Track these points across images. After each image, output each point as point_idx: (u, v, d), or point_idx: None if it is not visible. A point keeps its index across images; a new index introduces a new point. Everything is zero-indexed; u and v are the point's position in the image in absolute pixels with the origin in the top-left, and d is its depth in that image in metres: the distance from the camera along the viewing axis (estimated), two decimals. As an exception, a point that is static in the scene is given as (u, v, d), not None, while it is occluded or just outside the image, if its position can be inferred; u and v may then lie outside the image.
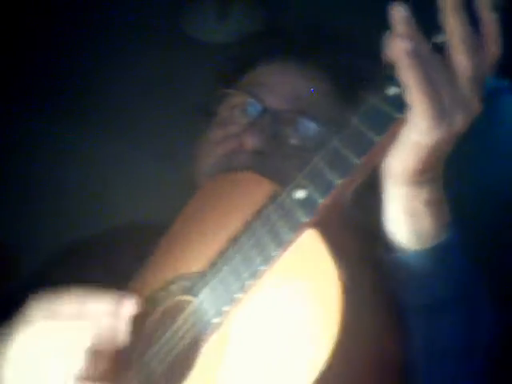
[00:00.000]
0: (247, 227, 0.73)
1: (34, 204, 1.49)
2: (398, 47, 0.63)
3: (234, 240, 0.74)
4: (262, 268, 0.68)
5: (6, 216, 1.46)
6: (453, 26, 0.63)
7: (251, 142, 0.97)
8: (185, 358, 0.74)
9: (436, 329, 0.69)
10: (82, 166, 1.50)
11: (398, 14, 0.64)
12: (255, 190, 0.79)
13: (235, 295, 0.69)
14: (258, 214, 0.73)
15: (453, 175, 0.73)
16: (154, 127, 1.22)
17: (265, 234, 0.70)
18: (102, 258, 1.03)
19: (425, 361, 0.69)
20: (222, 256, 0.74)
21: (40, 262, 1.09)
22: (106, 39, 1.37)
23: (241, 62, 1.11)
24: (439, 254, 0.69)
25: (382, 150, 0.68)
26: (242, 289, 0.69)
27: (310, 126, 0.99)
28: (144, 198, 1.36)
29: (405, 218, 0.69)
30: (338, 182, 0.66)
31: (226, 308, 0.69)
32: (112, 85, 1.40)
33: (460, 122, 0.64)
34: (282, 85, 1.03)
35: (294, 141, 0.99)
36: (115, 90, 1.39)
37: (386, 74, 0.68)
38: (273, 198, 0.72)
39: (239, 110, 1.03)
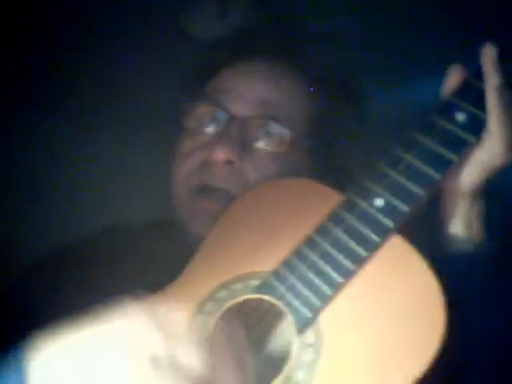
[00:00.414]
0: (321, 231, 0.80)
1: (30, 202, 1.38)
2: (489, 82, 0.75)
3: (308, 242, 0.80)
4: (353, 269, 0.76)
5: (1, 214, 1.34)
6: None
7: (221, 153, 1.00)
8: (279, 354, 0.78)
9: (483, 320, 0.81)
10: (79, 164, 1.42)
11: (490, 52, 0.75)
12: (314, 196, 0.86)
13: (327, 293, 0.75)
14: (332, 218, 0.80)
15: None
16: (154, 126, 1.21)
17: (349, 238, 0.77)
18: (99, 258, 1.03)
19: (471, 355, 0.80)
20: (297, 256, 0.80)
21: (31, 261, 1.05)
22: (102, 35, 1.31)
23: (205, 67, 1.13)
24: (485, 254, 0.82)
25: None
26: (334, 288, 0.75)
27: (280, 130, 1.04)
28: (142, 196, 1.33)
29: (462, 227, 0.81)
30: (422, 193, 0.76)
31: (317, 304, 0.75)
32: (110, 83, 1.35)
33: None
34: (247, 90, 1.05)
35: (264, 146, 1.04)
36: (113, 88, 1.34)
37: (451, 101, 0.80)
38: (347, 205, 0.80)
39: (207, 120, 1.06)
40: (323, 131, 1.08)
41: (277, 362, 0.78)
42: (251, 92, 1.06)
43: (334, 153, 1.08)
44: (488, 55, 0.76)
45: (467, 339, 0.77)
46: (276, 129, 1.04)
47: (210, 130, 1.06)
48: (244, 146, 1.02)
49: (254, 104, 1.05)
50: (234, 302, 0.81)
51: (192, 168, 1.04)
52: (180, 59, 1.16)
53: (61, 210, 1.36)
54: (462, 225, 0.81)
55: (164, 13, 1.29)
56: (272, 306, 0.79)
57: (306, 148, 1.06)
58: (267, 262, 0.82)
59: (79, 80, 1.34)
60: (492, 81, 0.75)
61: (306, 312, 0.76)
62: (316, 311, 0.75)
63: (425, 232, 0.83)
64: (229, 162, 1.01)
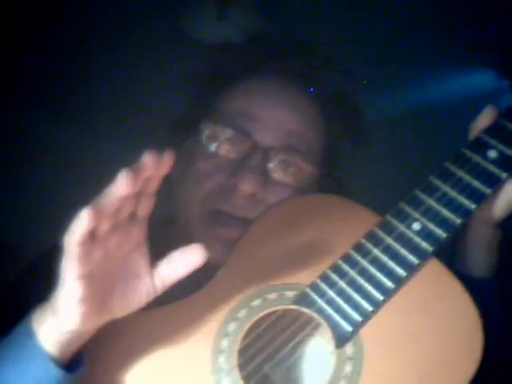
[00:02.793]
0: (360, 249, 0.84)
1: (32, 201, 1.31)
2: None
3: (347, 259, 0.84)
4: (393, 288, 0.80)
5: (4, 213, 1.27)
6: None
7: (247, 186, 1.01)
8: (315, 368, 0.81)
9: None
10: (80, 163, 1.36)
11: None
12: (345, 213, 0.89)
13: (368, 309, 0.79)
14: (370, 238, 0.84)
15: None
16: (153, 127, 1.20)
17: (388, 258, 0.82)
18: None
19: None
20: (336, 272, 0.83)
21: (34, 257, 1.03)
22: (100, 36, 1.27)
23: (219, 76, 1.12)
24: (500, 280, 0.89)
25: None
26: (375, 305, 0.79)
27: (300, 163, 1.06)
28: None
29: (483, 254, 0.88)
30: (458, 221, 0.82)
31: (358, 319, 0.79)
32: (110, 83, 1.30)
33: None
34: (272, 119, 1.06)
35: (283, 177, 1.05)
36: (113, 88, 1.30)
37: (483, 138, 0.86)
38: (385, 226, 0.84)
39: (228, 143, 1.05)
40: (331, 161, 1.12)
41: (306, 373, 0.82)
42: (276, 121, 1.06)
43: (336, 179, 1.12)
44: None
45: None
46: (296, 160, 1.06)
47: (230, 154, 1.05)
48: (265, 177, 1.03)
49: (278, 134, 1.05)
50: (268, 311, 0.84)
51: (208, 192, 1.04)
52: (187, 64, 1.16)
53: (61, 210, 1.32)
54: (482, 251, 0.88)
55: (170, 17, 1.28)
56: (309, 318, 0.82)
57: (316, 177, 1.09)
58: (301, 274, 0.85)
59: (83, 84, 1.32)
60: None
61: (347, 326, 0.79)
62: (357, 326, 0.79)
63: (444, 257, 0.89)
64: (251, 195, 1.01)
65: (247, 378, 0.80)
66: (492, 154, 0.85)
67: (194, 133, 1.08)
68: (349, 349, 0.79)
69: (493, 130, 0.87)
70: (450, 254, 0.91)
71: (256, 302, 0.84)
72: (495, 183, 0.84)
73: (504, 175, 0.84)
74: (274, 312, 0.84)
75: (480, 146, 0.86)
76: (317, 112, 1.11)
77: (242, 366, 0.81)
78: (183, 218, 1.07)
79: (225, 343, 0.82)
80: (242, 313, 0.84)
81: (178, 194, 1.08)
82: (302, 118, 1.08)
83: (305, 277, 0.84)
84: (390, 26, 1.33)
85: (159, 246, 1.11)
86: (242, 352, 0.82)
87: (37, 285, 1.00)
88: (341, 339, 0.79)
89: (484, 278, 0.88)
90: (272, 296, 0.85)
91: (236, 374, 0.80)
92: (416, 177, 0.87)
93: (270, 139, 1.05)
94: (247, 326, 0.83)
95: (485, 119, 0.88)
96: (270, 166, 1.04)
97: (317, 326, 0.82)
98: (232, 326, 0.83)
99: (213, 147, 1.06)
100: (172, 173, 1.12)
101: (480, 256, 0.88)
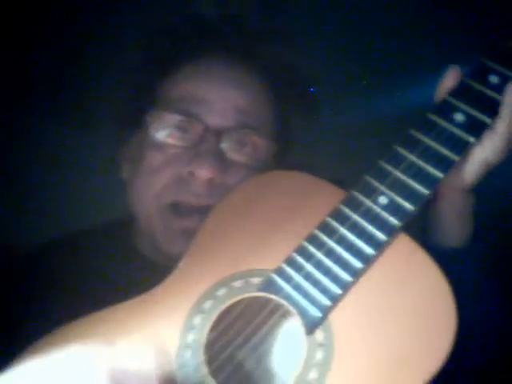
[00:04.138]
0: (326, 228, 0.79)
1: (27, 198, 1.28)
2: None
3: (313, 240, 0.79)
4: (362, 268, 0.76)
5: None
6: None
7: (205, 171, 0.96)
8: (287, 355, 0.78)
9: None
10: (76, 163, 1.32)
11: None
12: (308, 189, 0.85)
13: (336, 292, 0.75)
14: (336, 215, 0.80)
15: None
16: (101, 122, 1.15)
17: (355, 236, 0.78)
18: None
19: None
20: (301, 254, 0.79)
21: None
22: (87, 28, 1.22)
23: (162, 63, 1.07)
24: (476, 250, 0.85)
25: None
26: (343, 287, 0.76)
27: (255, 139, 1.02)
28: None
29: (457, 222, 0.84)
30: (426, 192, 0.78)
31: (327, 303, 0.75)
32: (106, 82, 1.25)
33: None
34: (219, 99, 1.01)
35: (240, 156, 1.01)
36: (109, 87, 1.25)
37: (449, 101, 0.81)
38: (350, 203, 0.80)
39: (177, 131, 1.01)
40: (285, 133, 1.08)
41: (280, 360, 0.78)
42: (224, 101, 1.01)
43: (288, 155, 1.08)
44: None
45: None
46: (250, 138, 1.02)
47: (182, 142, 1.00)
48: (221, 159, 0.98)
49: (228, 113, 1.01)
50: (234, 300, 0.80)
51: (164, 184, 0.99)
52: (128, 53, 1.10)
53: (58, 208, 1.29)
54: (455, 220, 0.84)
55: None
56: (277, 305, 0.78)
57: (273, 152, 1.06)
58: (266, 258, 0.81)
59: (76, 81, 1.26)
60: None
61: (316, 312, 0.75)
62: (326, 311, 0.75)
63: (417, 229, 0.85)
64: (210, 180, 0.97)
65: (221, 366, 0.77)
66: (459, 117, 0.80)
67: (141, 125, 1.03)
68: (319, 335, 0.75)
69: (459, 91, 0.82)
70: (422, 228, 0.87)
71: (221, 292, 0.80)
72: (463, 149, 0.79)
73: (472, 139, 0.79)
74: (242, 300, 0.80)
75: (446, 109, 0.81)
76: (264, 85, 1.07)
77: (214, 356, 0.77)
78: (142, 215, 1.02)
79: (191, 337, 0.79)
80: (208, 304, 0.80)
81: (134, 191, 1.03)
82: (250, 94, 1.04)
83: (270, 261, 0.80)
84: (386, 29, 1.28)
85: (121, 246, 1.07)
86: (213, 342, 0.78)
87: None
88: (310, 325, 0.75)
89: (457, 249, 0.84)
90: (237, 284, 0.81)
91: (204, 368, 0.76)
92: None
93: (221, 120, 1.00)
94: (213, 317, 0.79)
95: (449, 80, 0.83)
96: (225, 147, 1.00)
97: (287, 312, 0.79)
98: (197, 319, 0.79)
99: (162, 137, 1.01)
100: (124, 170, 1.09)
101: (453, 225, 0.84)
